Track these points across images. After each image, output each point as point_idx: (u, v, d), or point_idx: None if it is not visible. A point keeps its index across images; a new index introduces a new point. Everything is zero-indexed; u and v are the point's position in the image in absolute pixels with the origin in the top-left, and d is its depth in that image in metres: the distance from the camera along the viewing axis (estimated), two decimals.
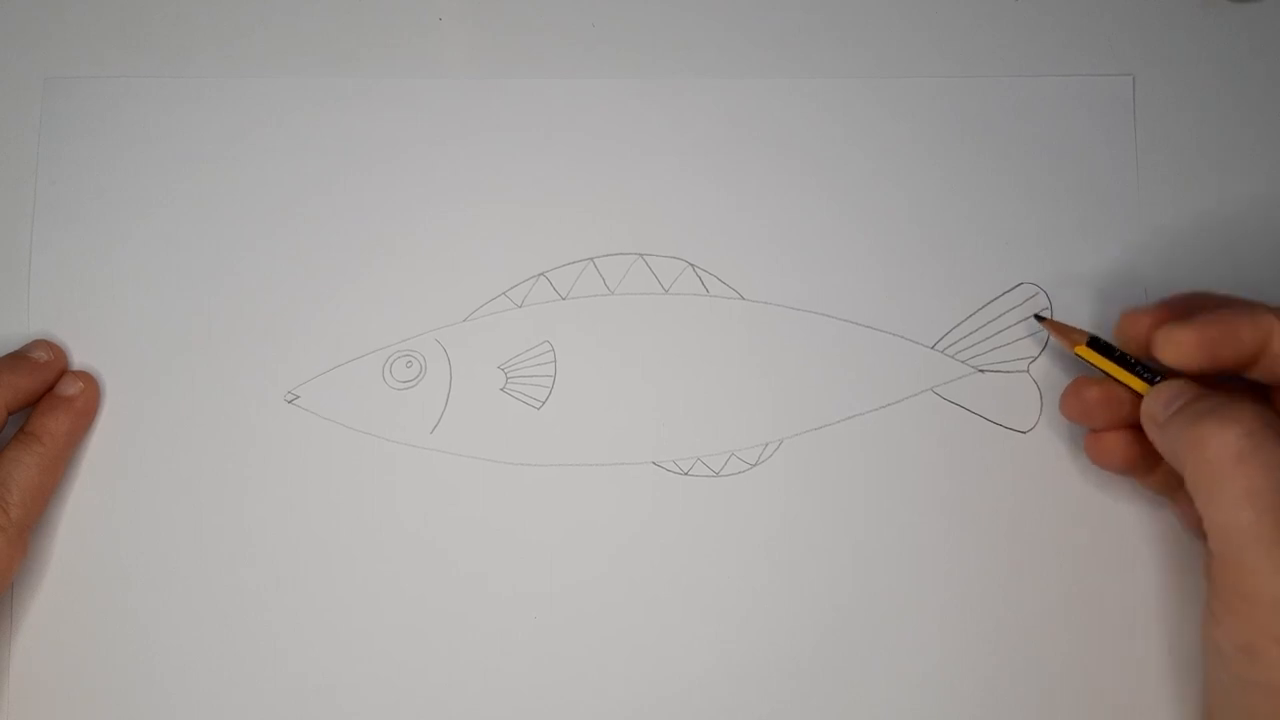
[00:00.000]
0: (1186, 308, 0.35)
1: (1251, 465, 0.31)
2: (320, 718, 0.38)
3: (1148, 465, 0.37)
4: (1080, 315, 0.40)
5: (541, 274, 0.41)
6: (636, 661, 0.39)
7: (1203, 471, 0.32)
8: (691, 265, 0.41)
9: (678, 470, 0.40)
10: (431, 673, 0.39)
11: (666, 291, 0.41)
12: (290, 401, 0.40)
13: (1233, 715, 0.33)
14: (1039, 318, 0.40)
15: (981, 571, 0.39)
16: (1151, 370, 0.36)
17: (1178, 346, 0.34)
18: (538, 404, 0.40)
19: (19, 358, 0.39)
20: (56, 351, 0.40)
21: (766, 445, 0.40)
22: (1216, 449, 0.32)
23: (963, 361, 0.41)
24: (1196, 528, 0.34)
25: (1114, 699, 0.39)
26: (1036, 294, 0.41)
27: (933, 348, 0.41)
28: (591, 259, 0.41)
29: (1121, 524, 0.39)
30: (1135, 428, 0.36)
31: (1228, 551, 0.32)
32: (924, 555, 0.39)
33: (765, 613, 0.39)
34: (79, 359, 0.40)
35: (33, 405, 0.39)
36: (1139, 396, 0.36)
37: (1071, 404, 0.38)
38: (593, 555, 0.39)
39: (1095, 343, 0.38)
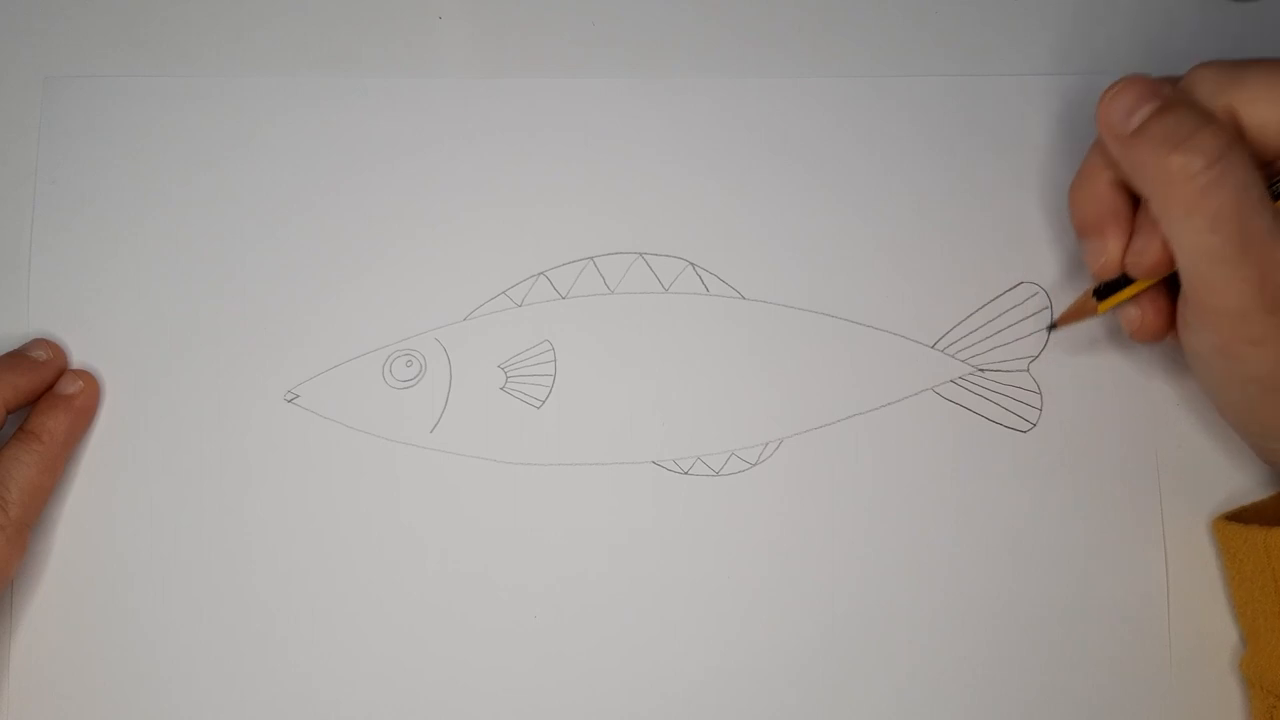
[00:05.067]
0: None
1: (1217, 194, 0.32)
2: (320, 716, 0.38)
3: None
4: None
5: (541, 273, 0.41)
6: (636, 661, 0.39)
7: (1170, 200, 0.33)
8: (692, 264, 0.41)
9: (678, 469, 0.40)
10: (431, 672, 0.39)
11: (667, 291, 0.41)
12: (290, 401, 0.40)
13: (1231, 403, 0.37)
14: (1052, 328, 0.40)
15: (981, 571, 0.39)
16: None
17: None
18: (538, 403, 0.40)
19: (18, 356, 0.39)
20: (56, 350, 0.40)
21: (767, 445, 0.40)
22: (1182, 181, 0.32)
23: (963, 361, 0.41)
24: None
25: (1114, 698, 0.39)
26: (1037, 293, 0.41)
27: (933, 347, 0.41)
28: (591, 258, 0.41)
29: (1121, 524, 0.39)
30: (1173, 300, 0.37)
31: (1195, 270, 0.34)
32: (924, 555, 0.39)
33: (765, 612, 0.39)
34: (79, 358, 0.40)
35: (32, 404, 0.39)
36: (1165, 287, 0.37)
37: (1141, 331, 0.38)
38: (593, 555, 0.39)
39: (1101, 290, 0.38)
